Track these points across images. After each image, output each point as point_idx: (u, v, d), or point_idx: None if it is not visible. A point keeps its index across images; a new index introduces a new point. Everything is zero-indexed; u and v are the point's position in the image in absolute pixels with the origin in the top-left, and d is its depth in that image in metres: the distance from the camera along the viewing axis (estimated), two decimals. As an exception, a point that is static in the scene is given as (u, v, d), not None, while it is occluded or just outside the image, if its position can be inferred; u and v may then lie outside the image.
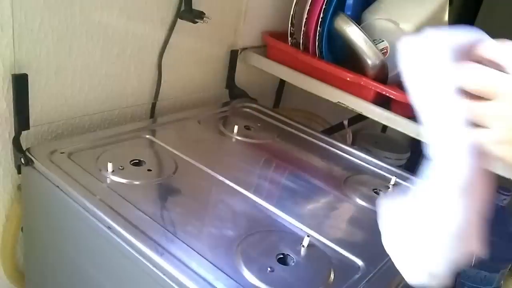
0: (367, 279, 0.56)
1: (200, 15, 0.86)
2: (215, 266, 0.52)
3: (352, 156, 0.88)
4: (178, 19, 0.87)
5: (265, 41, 1.07)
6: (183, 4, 0.86)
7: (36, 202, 0.69)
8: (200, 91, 1.03)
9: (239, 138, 0.86)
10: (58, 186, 0.62)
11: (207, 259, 0.53)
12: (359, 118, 1.13)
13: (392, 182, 0.79)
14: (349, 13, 0.97)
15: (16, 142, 0.69)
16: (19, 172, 0.71)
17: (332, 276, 0.55)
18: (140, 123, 0.84)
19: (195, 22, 0.86)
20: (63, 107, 0.77)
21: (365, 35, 0.90)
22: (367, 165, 0.86)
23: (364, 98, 0.93)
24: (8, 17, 0.64)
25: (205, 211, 0.63)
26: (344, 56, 0.95)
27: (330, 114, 1.35)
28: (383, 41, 0.95)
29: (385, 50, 0.95)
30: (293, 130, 0.95)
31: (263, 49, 1.08)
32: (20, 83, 0.68)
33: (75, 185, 0.61)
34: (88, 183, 0.62)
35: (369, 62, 0.91)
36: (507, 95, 0.37)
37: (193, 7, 0.86)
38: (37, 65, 0.70)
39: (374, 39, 0.95)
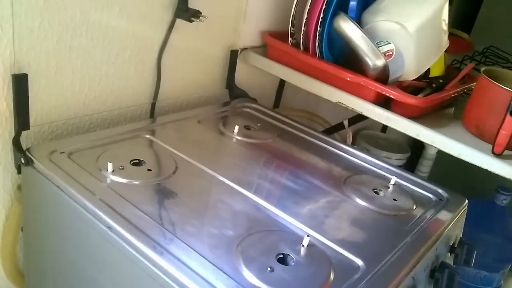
0: (367, 279, 0.55)
1: (196, 14, 0.86)
2: (215, 266, 0.52)
3: (352, 156, 0.88)
4: (177, 19, 0.87)
5: (265, 41, 1.07)
6: (178, 2, 0.86)
7: (36, 202, 0.69)
8: (200, 91, 1.03)
9: (239, 138, 0.86)
10: (58, 186, 0.62)
11: (207, 259, 0.53)
12: (359, 118, 1.14)
13: (392, 182, 0.79)
14: (352, 15, 0.97)
15: (16, 142, 0.69)
16: (19, 172, 0.71)
17: (332, 276, 0.55)
18: (140, 123, 0.84)
19: (191, 21, 0.86)
20: (63, 107, 0.77)
21: (365, 34, 0.90)
22: (367, 165, 0.86)
23: (364, 98, 0.93)
24: (8, 17, 0.64)
25: (205, 211, 0.63)
26: (344, 56, 0.95)
27: (330, 114, 1.36)
28: (389, 43, 0.94)
29: (391, 52, 0.94)
30: (293, 130, 0.95)
31: (263, 49, 1.08)
32: (20, 83, 0.68)
33: (75, 185, 0.61)
34: (88, 183, 0.62)
35: (369, 61, 0.91)
36: None
37: (193, 7, 0.86)
38: (37, 65, 0.70)
39: (380, 41, 0.94)
